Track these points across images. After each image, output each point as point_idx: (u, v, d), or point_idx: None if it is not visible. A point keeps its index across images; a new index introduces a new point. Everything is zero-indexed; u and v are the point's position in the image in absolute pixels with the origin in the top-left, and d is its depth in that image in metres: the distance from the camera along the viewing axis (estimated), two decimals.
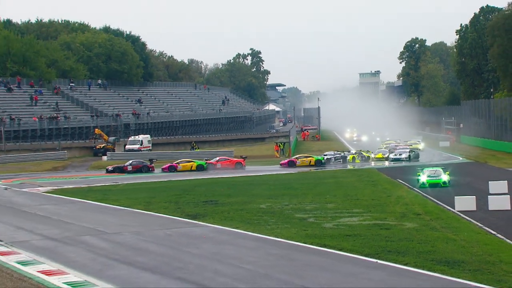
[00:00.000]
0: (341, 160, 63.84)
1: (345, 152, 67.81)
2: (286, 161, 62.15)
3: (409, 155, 63.44)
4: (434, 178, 39.00)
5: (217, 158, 63.04)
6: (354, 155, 66.07)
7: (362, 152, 67.73)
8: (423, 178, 39.10)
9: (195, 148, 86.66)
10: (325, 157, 63.71)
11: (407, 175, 46.69)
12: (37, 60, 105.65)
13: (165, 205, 34.10)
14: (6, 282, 17.97)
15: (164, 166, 60.43)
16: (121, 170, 59.30)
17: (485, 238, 23.80)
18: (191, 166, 59.85)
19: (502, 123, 73.53)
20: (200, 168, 59.51)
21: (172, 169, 59.41)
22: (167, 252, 22.02)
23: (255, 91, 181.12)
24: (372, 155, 66.93)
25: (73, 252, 22.34)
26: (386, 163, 62.92)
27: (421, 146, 77.95)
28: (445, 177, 39.01)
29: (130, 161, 61.76)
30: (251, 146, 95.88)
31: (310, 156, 63.07)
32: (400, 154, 63.96)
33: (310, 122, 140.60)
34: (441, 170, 40.33)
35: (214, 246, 22.70)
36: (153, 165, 61.12)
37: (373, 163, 63.56)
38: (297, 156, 64.09)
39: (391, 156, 64.49)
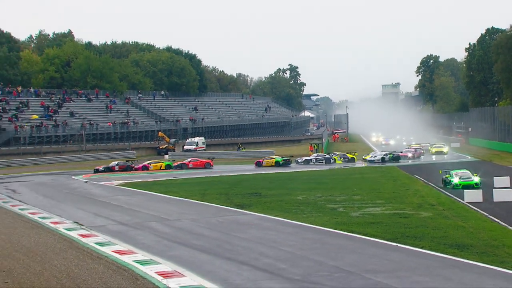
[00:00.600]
0: (324, 161, 61.07)
1: (330, 154, 64.52)
2: (256, 161, 60.78)
3: (382, 157, 60.10)
4: (467, 180, 36.04)
5: (189, 159, 61.67)
6: (336, 157, 62.91)
7: (346, 154, 64.37)
8: (456, 179, 36.15)
9: (241, 149, 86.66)
10: (305, 158, 61.63)
11: (423, 172, 46.39)
12: (111, 75, 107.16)
13: (217, 197, 34.12)
14: (86, 259, 18.24)
15: (137, 166, 58.64)
16: (110, 169, 57.59)
17: (490, 226, 23.42)
18: (160, 166, 58.54)
19: (505, 127, 72.42)
20: (168, 167, 58.43)
21: (145, 168, 57.98)
22: (219, 236, 22.07)
23: (292, 100, 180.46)
24: (363, 157, 62.79)
25: (141, 236, 22.56)
26: (364, 164, 60.24)
27: (445, 149, 72.46)
28: (476, 179, 35.99)
29: (116, 162, 60.02)
30: (290, 147, 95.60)
31: (273, 158, 61.30)
32: (375, 156, 61.06)
33: (339, 127, 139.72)
34: (469, 172, 37.47)
35: (258, 232, 22.73)
36: (133, 165, 59.36)
37: (364, 164, 60.51)
38: (264, 158, 62.25)
39: (368, 158, 61.42)
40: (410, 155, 64.87)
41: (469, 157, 64.87)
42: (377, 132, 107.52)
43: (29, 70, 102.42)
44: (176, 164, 60.09)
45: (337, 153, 65.83)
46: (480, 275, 15.78)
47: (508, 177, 35.68)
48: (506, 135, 71.54)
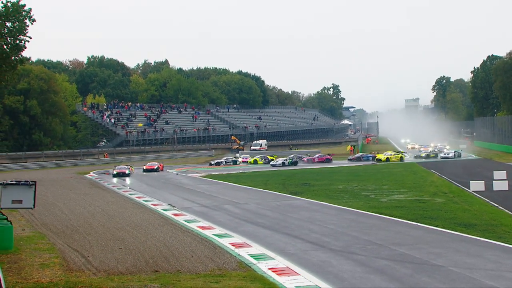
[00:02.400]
0: (232, 162, 58.89)
1: (236, 157, 61.79)
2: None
3: (283, 162, 54.71)
4: None
5: (157, 163, 56.36)
6: (258, 158, 60.13)
7: (267, 156, 61.11)
8: None
9: (294, 149, 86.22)
10: (217, 161, 59.41)
11: (438, 168, 45.11)
12: (196, 92, 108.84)
13: (276, 186, 34.14)
14: (178, 232, 18.53)
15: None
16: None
17: (491, 209, 22.66)
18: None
19: (503, 133, 70.81)
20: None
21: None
22: (277, 216, 22.09)
23: (335, 111, 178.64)
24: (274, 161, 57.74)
25: (218, 215, 22.76)
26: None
27: (398, 157, 58.24)
28: None
29: (120, 166, 51.77)
30: (332, 148, 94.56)
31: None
32: (277, 161, 55.54)
33: (371, 132, 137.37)
34: None
35: (308, 213, 22.63)
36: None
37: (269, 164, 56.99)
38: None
39: (271, 162, 56.26)
40: (305, 159, 58.89)
41: (474, 156, 62.66)
42: (405, 139, 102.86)
43: (136, 89, 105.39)
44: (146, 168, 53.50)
45: (259, 156, 62.37)
46: (482, 248, 15.37)
47: (505, 171, 34.42)
48: (503, 139, 70.18)
